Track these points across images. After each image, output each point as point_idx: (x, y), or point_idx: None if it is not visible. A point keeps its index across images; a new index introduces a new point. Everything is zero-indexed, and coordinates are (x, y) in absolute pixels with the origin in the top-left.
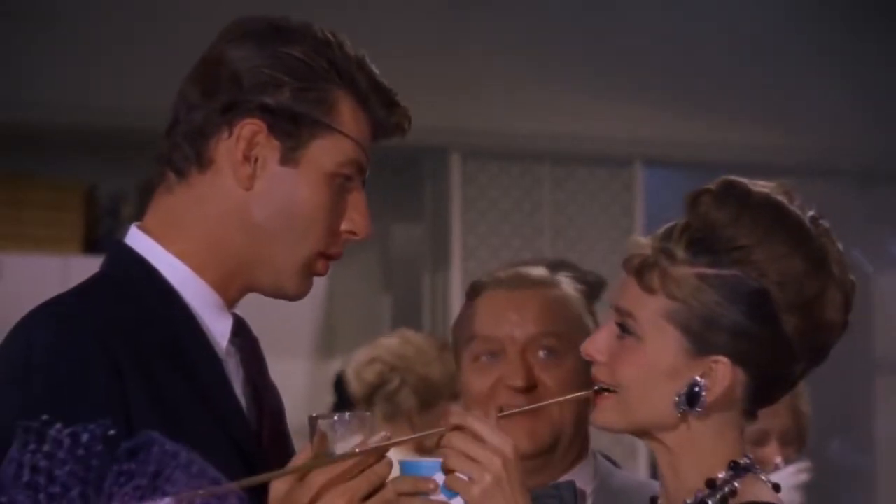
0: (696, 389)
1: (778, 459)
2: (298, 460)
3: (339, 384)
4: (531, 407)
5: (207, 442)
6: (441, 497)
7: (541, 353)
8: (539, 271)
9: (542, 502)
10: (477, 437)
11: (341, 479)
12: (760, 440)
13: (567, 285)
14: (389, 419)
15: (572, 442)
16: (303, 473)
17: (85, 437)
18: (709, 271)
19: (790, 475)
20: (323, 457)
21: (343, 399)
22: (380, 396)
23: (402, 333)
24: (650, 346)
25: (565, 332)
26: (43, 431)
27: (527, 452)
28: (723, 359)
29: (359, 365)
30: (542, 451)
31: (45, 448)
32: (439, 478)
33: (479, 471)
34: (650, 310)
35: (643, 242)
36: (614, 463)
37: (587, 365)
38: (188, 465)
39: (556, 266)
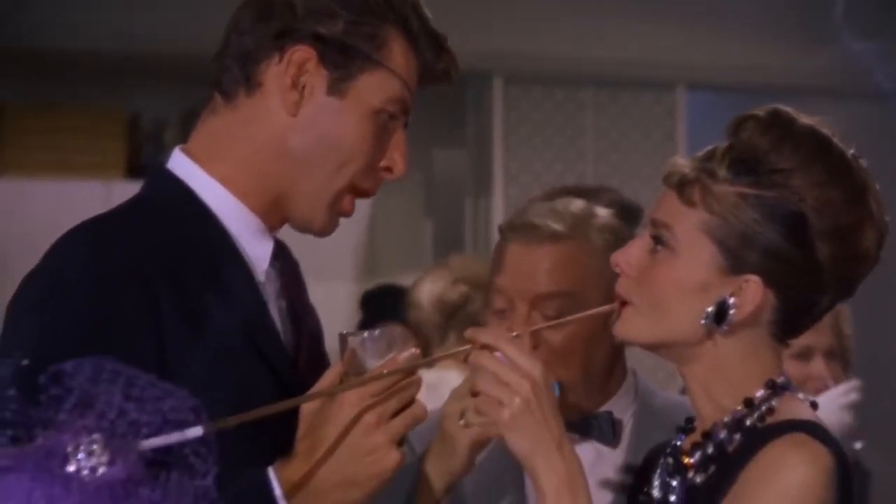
0: (725, 307)
1: (825, 375)
2: (327, 378)
3: (368, 302)
4: (555, 323)
5: (243, 365)
6: None
7: (550, 312)
8: (562, 220)
9: (580, 433)
10: (506, 359)
11: (371, 396)
12: (805, 355)
13: (596, 230)
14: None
15: (607, 374)
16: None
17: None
18: (749, 191)
19: (839, 395)
20: (351, 377)
21: (370, 317)
22: (460, 318)
23: (462, 257)
24: (684, 259)
25: (578, 291)
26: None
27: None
28: (755, 278)
29: (440, 288)
30: (574, 385)
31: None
32: None
33: (508, 394)
34: (688, 222)
35: (683, 161)
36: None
37: (596, 327)
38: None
39: (595, 194)
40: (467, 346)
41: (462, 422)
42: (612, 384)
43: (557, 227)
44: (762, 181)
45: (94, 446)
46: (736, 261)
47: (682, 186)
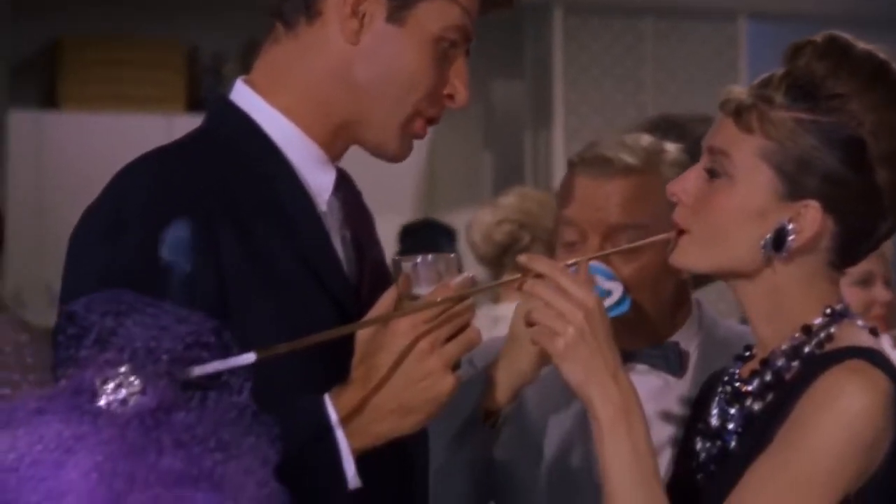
0: (784, 233)
1: (889, 298)
2: (382, 304)
3: (407, 235)
4: (603, 253)
5: (304, 296)
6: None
7: (622, 245)
8: (633, 153)
9: (646, 362)
10: (560, 289)
11: (424, 322)
12: (866, 281)
13: (667, 165)
14: None
15: (674, 306)
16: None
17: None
18: (806, 116)
19: None
20: (404, 302)
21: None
22: (510, 256)
23: (518, 192)
24: (741, 186)
25: (650, 224)
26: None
27: (629, 323)
28: (814, 203)
29: (486, 227)
30: (642, 316)
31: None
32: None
33: (561, 323)
34: (745, 149)
35: (740, 89)
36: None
37: (664, 259)
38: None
39: (664, 127)
40: (520, 275)
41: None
42: (679, 316)
43: (630, 160)
44: (820, 107)
45: (123, 378)
46: (794, 186)
47: (738, 113)
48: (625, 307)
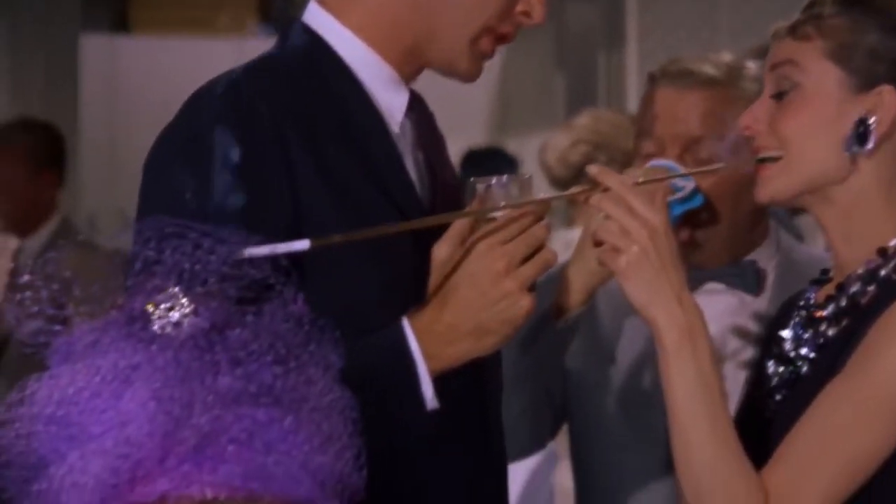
0: (865, 125)
1: None
2: (457, 225)
3: (469, 160)
4: (690, 172)
5: (377, 217)
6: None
7: (702, 156)
8: (716, 67)
9: (722, 281)
10: (627, 206)
11: (500, 244)
12: None
13: (748, 80)
14: None
15: (752, 223)
16: (462, 237)
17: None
18: (860, 15)
19: None
20: (479, 223)
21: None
22: (587, 177)
23: (592, 113)
24: (812, 91)
25: None
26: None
27: (705, 239)
28: (888, 87)
29: (561, 149)
30: (720, 232)
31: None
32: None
33: (625, 241)
34: (808, 53)
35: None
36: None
37: (743, 175)
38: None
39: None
40: (591, 188)
41: None
42: (757, 234)
43: (712, 72)
44: (871, 4)
45: (174, 300)
46: (865, 76)
47: (793, 29)
48: (696, 202)
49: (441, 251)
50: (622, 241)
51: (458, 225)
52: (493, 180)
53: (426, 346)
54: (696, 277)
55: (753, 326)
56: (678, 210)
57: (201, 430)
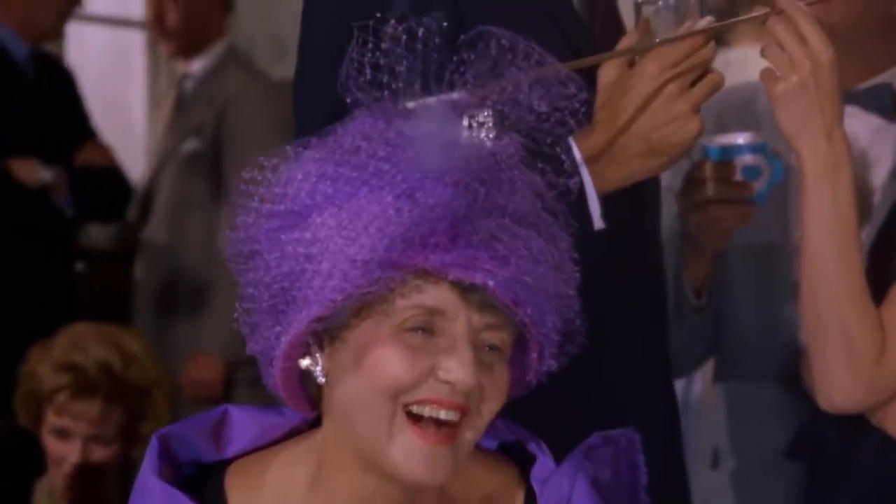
0: None
1: None
2: (624, 45)
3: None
4: None
5: (539, 37)
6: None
7: None
8: None
9: (860, 104)
10: (798, 33)
11: (672, 66)
12: None
13: None
14: None
15: (886, 37)
16: (631, 60)
17: (420, 32)
18: None
19: None
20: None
21: None
22: (743, 2)
23: None
24: None
25: None
26: (378, 28)
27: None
28: None
29: None
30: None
31: (383, 45)
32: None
33: (787, 69)
34: None
35: None
36: None
37: None
38: (527, 55)
39: None
40: (766, 11)
41: None
42: (892, 51)
43: None
44: None
45: (487, 120)
46: None
47: None
48: (778, 177)
49: (609, 72)
50: (784, 68)
51: (623, 46)
52: (660, 2)
53: (593, 166)
54: None
55: (889, 153)
56: (766, 192)
57: (490, 231)
